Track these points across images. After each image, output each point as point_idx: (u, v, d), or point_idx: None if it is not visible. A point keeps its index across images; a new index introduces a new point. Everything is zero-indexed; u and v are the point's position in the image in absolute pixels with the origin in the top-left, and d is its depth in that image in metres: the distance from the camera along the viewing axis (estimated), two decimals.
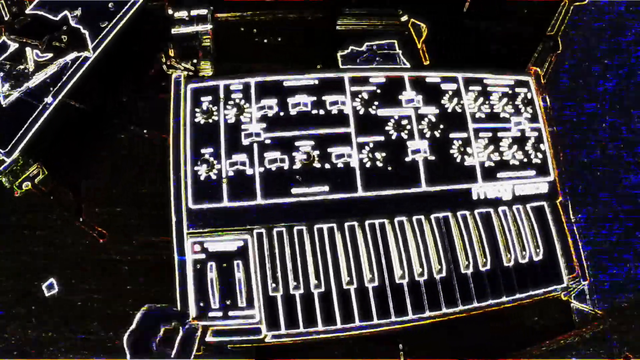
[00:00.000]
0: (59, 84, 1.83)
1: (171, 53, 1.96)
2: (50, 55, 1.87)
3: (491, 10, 2.05)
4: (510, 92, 1.87)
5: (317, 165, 1.71)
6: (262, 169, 1.70)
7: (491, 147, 1.80)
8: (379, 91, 1.80)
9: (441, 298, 1.68)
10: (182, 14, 1.96)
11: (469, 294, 1.69)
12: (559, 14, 2.08)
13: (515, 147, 1.81)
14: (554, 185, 1.82)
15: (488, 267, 1.71)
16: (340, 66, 1.92)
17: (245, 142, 1.72)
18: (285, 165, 1.70)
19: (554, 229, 1.79)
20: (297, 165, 1.70)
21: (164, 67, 1.97)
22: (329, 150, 1.73)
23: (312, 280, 1.63)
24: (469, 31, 2.06)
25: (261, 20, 2.01)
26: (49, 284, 1.76)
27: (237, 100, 1.76)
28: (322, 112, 1.76)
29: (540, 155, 1.83)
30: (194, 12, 1.96)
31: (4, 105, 1.82)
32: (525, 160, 1.82)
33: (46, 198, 1.88)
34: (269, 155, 1.71)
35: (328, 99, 1.78)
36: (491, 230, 1.74)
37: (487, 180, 1.78)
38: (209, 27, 1.96)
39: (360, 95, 1.78)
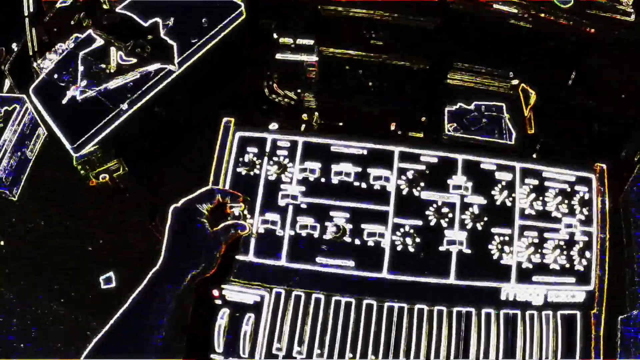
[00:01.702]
0: (138, 93, 1.84)
1: (275, 79, 1.94)
2: (133, 61, 1.87)
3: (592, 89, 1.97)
4: (568, 189, 1.77)
5: (347, 239, 1.69)
6: (292, 232, 1.70)
7: (533, 248, 1.72)
8: (427, 171, 1.74)
9: None
10: (288, 40, 1.92)
11: None
12: None
13: (559, 250, 1.73)
14: (592, 295, 1.74)
15: None
16: (446, 121, 1.90)
17: (282, 202, 1.72)
18: (316, 234, 1.70)
19: (580, 341, 1.72)
20: (328, 236, 1.69)
21: (266, 90, 1.96)
22: (363, 226, 1.70)
23: (316, 349, 1.65)
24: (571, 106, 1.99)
25: (368, 62, 1.99)
26: (107, 277, 1.83)
27: (281, 158, 1.74)
28: (364, 185, 1.73)
29: (584, 262, 1.74)
30: (300, 41, 1.93)
31: (79, 100, 1.85)
32: (568, 265, 1.74)
33: (121, 194, 1.93)
34: (302, 220, 1.71)
35: (373, 172, 1.73)
36: (512, 333, 1.69)
37: (521, 282, 1.72)
38: (314, 58, 1.92)
39: (406, 174, 1.73)
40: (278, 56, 1.97)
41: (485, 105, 1.93)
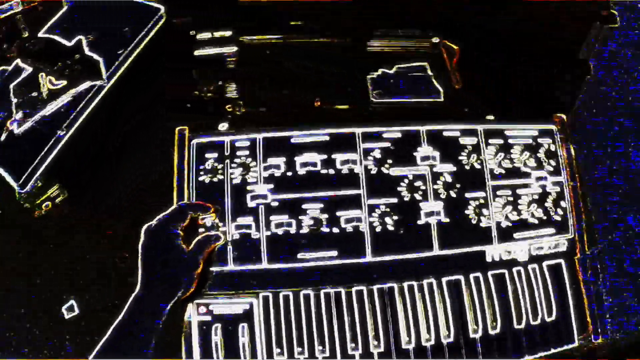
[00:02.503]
0: (73, 115, 1.76)
1: (196, 75, 1.90)
2: (64, 83, 1.79)
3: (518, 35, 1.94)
4: (533, 143, 1.77)
5: (325, 229, 1.65)
6: (268, 233, 1.65)
7: (509, 207, 1.71)
8: (392, 147, 1.71)
9: None
10: (206, 35, 1.87)
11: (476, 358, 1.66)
12: (591, 37, 1.94)
13: (534, 205, 1.73)
14: (573, 243, 1.75)
15: (497, 330, 1.67)
16: (370, 89, 1.86)
17: (252, 204, 1.66)
18: (292, 230, 1.65)
19: (569, 288, 1.73)
20: (305, 230, 1.64)
21: (189, 88, 1.89)
22: (338, 213, 1.66)
23: (317, 346, 1.61)
24: (500, 57, 1.95)
25: (288, 44, 1.93)
26: (69, 306, 1.74)
27: (244, 159, 1.68)
28: (331, 171, 1.69)
29: (560, 212, 1.75)
30: (217, 34, 1.88)
31: (17, 134, 1.77)
32: (545, 218, 1.74)
33: (70, 216, 1.84)
34: (276, 218, 1.65)
35: (338, 157, 1.69)
36: (504, 293, 1.69)
37: (503, 241, 1.71)
38: (233, 49, 1.86)
39: (372, 153, 1.69)
40: (196, 53, 1.92)
41: (408, 67, 1.91)
